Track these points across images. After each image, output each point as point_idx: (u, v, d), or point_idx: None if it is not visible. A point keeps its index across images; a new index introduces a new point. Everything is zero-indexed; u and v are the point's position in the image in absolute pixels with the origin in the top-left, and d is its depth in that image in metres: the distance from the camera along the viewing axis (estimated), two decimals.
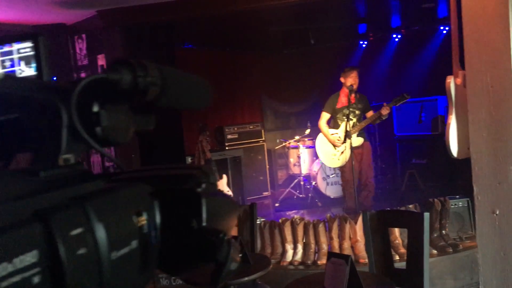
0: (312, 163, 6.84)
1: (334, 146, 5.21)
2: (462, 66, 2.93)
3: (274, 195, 7.31)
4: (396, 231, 3.82)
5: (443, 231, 3.91)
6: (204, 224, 0.55)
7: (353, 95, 4.96)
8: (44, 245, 0.40)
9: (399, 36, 7.77)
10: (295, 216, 4.17)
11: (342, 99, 5.14)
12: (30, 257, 0.39)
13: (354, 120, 5.08)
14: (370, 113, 5.17)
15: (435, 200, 3.94)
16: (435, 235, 3.85)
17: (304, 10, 5.59)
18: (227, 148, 6.78)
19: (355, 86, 4.98)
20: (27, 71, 0.62)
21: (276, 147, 7.43)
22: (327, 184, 6.55)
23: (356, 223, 3.83)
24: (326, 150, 5.28)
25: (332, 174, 6.52)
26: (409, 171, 6.54)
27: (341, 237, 3.89)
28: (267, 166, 7.40)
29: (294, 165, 7.07)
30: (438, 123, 6.39)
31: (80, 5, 4.64)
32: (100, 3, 4.67)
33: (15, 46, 0.62)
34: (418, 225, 2.42)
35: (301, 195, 6.79)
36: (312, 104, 8.17)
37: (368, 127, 5.42)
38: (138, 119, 0.59)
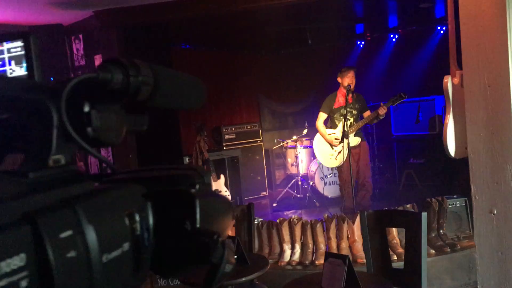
0: (309, 163, 6.84)
1: (332, 146, 5.21)
2: (460, 66, 2.94)
3: (271, 195, 7.31)
4: (394, 231, 3.82)
5: (441, 231, 3.91)
6: (198, 225, 0.54)
7: (350, 95, 4.97)
8: (32, 248, 0.39)
9: (396, 36, 7.77)
10: (293, 216, 4.17)
11: (339, 99, 5.15)
12: (17, 261, 0.38)
13: (352, 120, 5.09)
14: (367, 113, 5.18)
15: (433, 199, 3.94)
16: (433, 234, 3.85)
17: (301, 10, 5.58)
18: (224, 148, 6.78)
19: (352, 86, 5.00)
20: (17, 71, 0.61)
21: (274, 147, 7.42)
22: (325, 184, 6.55)
23: (354, 223, 3.83)
24: (324, 150, 5.28)
25: (329, 174, 6.51)
26: (407, 170, 6.55)
27: (339, 237, 3.88)
28: (265, 166, 7.40)
29: (292, 165, 7.06)
30: (436, 123, 6.39)
31: (77, 6, 4.63)
32: (97, 4, 4.66)
33: (5, 46, 0.61)
34: (415, 224, 2.41)
35: (298, 195, 6.78)
36: (310, 104, 8.17)
37: (365, 127, 5.42)
38: (131, 119, 0.58)
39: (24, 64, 0.60)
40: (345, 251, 3.78)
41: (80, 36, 5.28)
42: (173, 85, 0.59)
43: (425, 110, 6.53)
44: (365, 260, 2.78)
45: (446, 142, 3.23)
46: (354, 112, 5.12)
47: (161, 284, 4.02)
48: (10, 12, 4.60)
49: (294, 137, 6.83)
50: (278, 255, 3.97)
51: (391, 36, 7.81)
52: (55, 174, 0.50)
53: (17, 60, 0.60)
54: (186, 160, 5.94)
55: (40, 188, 0.46)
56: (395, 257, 3.57)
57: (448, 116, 3.25)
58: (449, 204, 4.01)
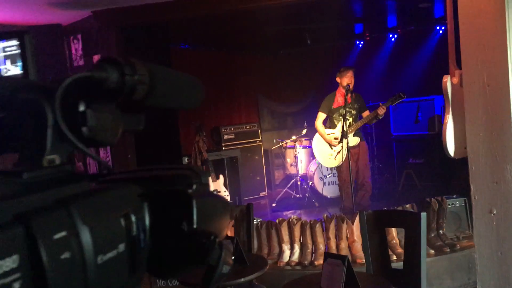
0: (309, 163, 6.84)
1: (331, 146, 5.21)
2: (459, 66, 2.93)
3: (271, 195, 7.31)
4: (393, 231, 3.81)
5: (440, 231, 3.90)
6: (195, 226, 0.53)
7: (349, 95, 4.97)
8: (25, 250, 0.39)
9: (395, 36, 7.77)
10: (292, 216, 4.16)
11: (338, 99, 5.15)
12: (10, 262, 0.38)
13: (351, 120, 5.09)
14: (366, 113, 5.18)
15: (432, 199, 3.93)
16: (432, 235, 3.85)
17: (300, 10, 5.58)
18: (224, 148, 6.78)
19: (351, 86, 5.00)
20: (12, 69, 0.61)
21: (273, 147, 7.42)
22: (324, 184, 6.54)
23: (353, 223, 3.82)
24: (323, 150, 5.27)
25: (329, 174, 6.51)
26: (406, 170, 6.55)
27: (338, 237, 3.88)
28: (264, 166, 7.40)
29: (291, 165, 7.06)
30: (435, 122, 6.39)
31: (76, 6, 4.62)
32: (96, 4, 4.65)
33: (1, 44, 0.60)
34: (415, 225, 2.41)
35: (298, 195, 6.77)
36: (309, 104, 8.16)
37: (364, 127, 5.42)
38: (127, 119, 0.57)
39: (20, 63, 0.60)
40: (344, 251, 3.77)
41: (79, 36, 5.27)
42: (169, 84, 0.59)
43: (425, 110, 6.53)
44: (364, 260, 2.78)
45: (445, 142, 3.23)
46: (353, 112, 5.12)
47: (160, 284, 4.01)
48: (8, 12, 4.59)
49: (293, 137, 6.83)
50: (277, 255, 3.96)
51: (390, 36, 7.81)
52: (49, 174, 0.49)
53: (13, 59, 0.60)
54: (185, 160, 5.93)
55: (34, 189, 0.45)
56: (394, 257, 3.57)
57: (448, 116, 3.25)
58: (449, 204, 4.01)
